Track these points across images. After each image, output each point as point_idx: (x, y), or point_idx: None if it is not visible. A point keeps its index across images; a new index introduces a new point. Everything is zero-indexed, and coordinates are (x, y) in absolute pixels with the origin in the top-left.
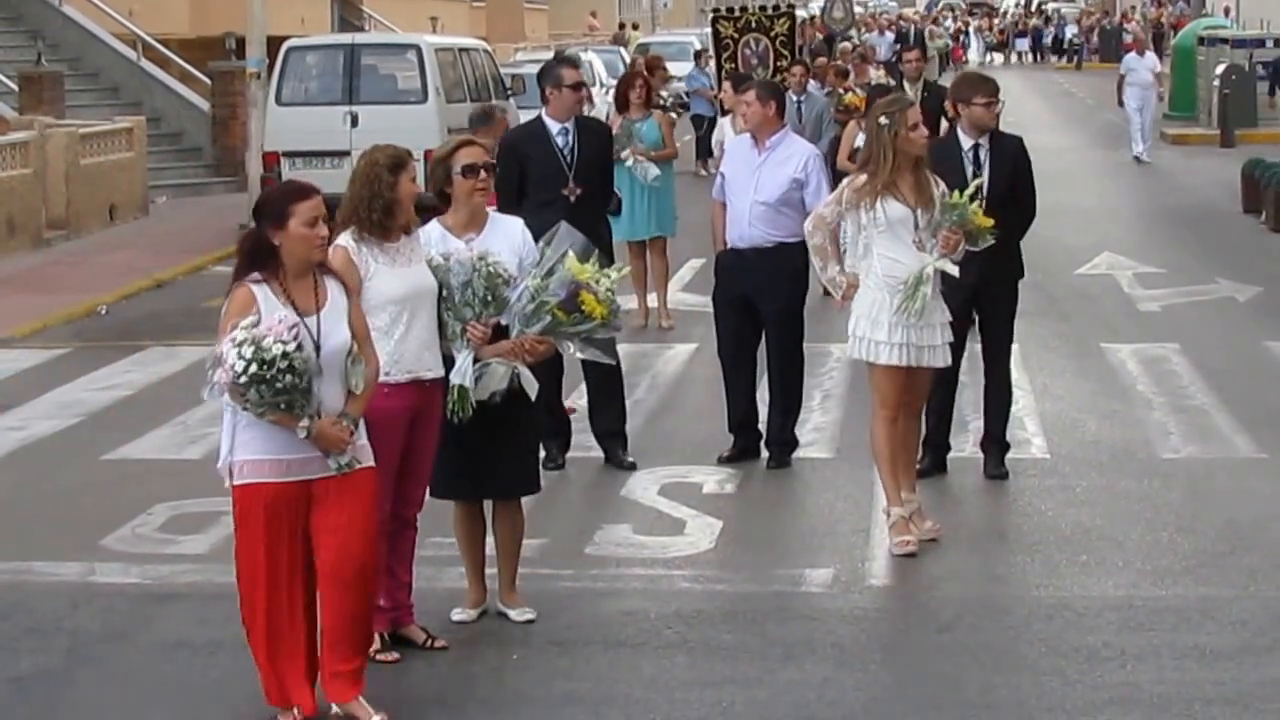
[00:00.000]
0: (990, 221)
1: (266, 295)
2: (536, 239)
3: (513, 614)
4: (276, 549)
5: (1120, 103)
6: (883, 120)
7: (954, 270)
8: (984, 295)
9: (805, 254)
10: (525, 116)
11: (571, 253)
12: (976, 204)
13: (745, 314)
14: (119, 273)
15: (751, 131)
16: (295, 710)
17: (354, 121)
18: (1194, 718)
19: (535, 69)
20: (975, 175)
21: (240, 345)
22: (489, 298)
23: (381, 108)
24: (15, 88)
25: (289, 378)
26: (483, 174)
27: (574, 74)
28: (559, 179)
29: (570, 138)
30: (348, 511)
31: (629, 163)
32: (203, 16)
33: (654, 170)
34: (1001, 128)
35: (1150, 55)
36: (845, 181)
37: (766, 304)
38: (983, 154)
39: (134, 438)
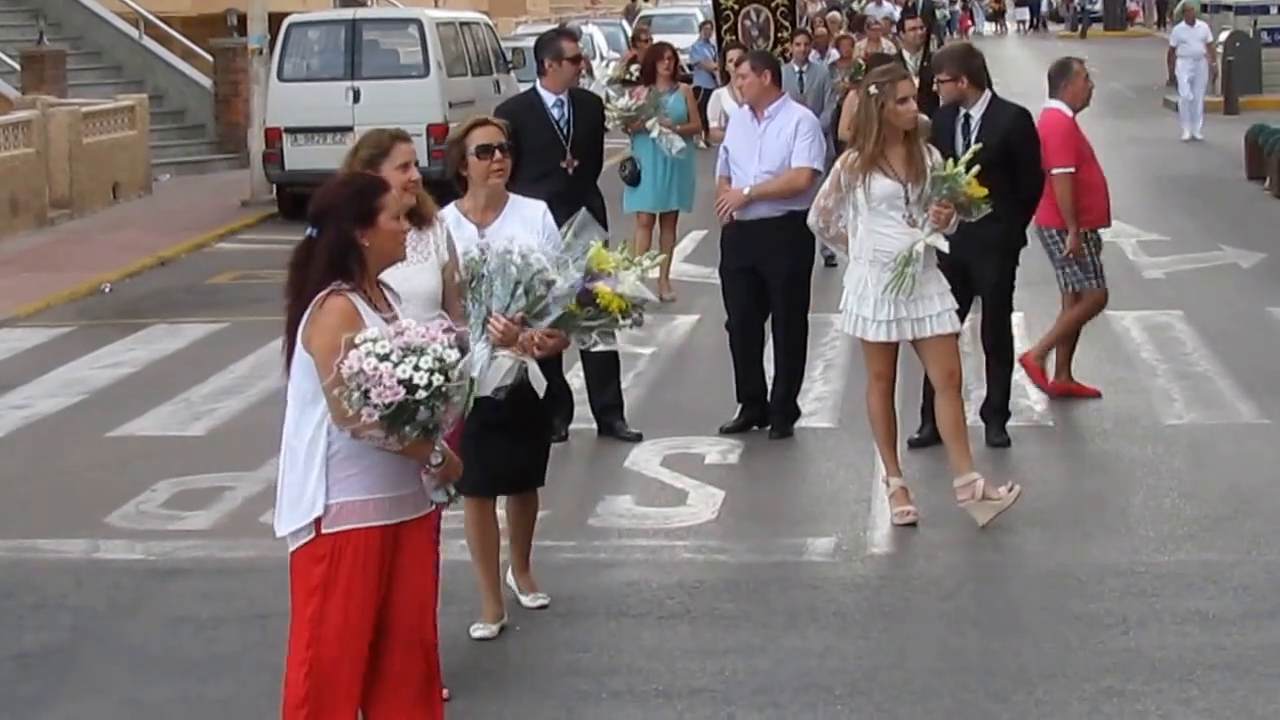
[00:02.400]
0: (984, 191)
1: (362, 306)
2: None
3: (525, 599)
4: (367, 610)
5: (1171, 78)
6: (872, 90)
7: (944, 245)
8: (976, 263)
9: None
10: (525, 89)
11: (596, 241)
12: (971, 173)
13: (752, 285)
14: (122, 251)
15: (749, 103)
16: None
17: (356, 97)
18: (1195, 683)
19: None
20: (964, 143)
21: (409, 357)
22: (523, 293)
23: (383, 83)
24: (17, 67)
25: (460, 391)
26: (498, 154)
27: (573, 47)
28: (556, 151)
29: (566, 110)
30: (424, 559)
31: (654, 134)
32: None
33: (679, 143)
34: (1007, 97)
35: (1201, 25)
36: (837, 164)
37: (772, 273)
38: (972, 123)
39: (137, 415)
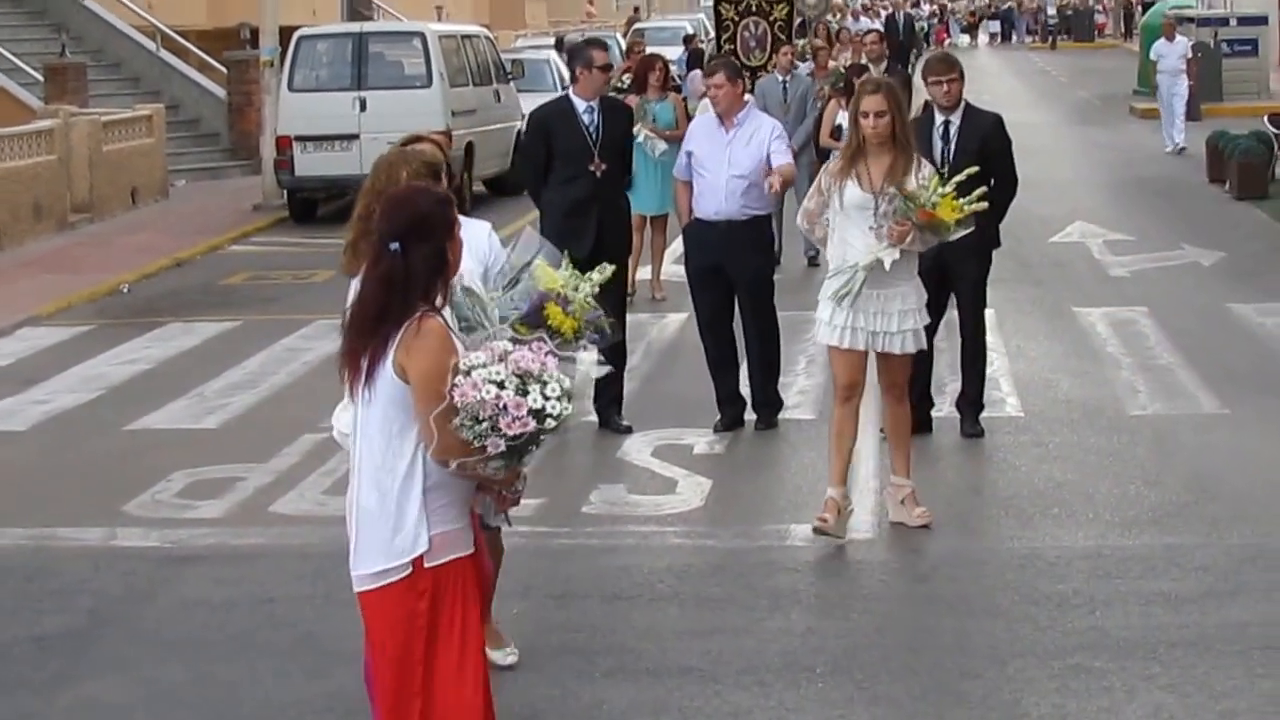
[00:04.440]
0: (956, 215)
1: (449, 325)
2: (570, 213)
3: (494, 655)
4: (472, 640)
5: (1145, 92)
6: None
7: (887, 261)
8: (955, 264)
9: (771, 224)
10: (523, 99)
11: (541, 260)
12: (949, 198)
13: (720, 283)
14: (140, 253)
15: (721, 112)
16: None
17: (362, 106)
18: (1159, 660)
19: (535, 54)
20: (944, 150)
21: (533, 385)
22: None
23: (389, 93)
24: (41, 78)
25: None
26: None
27: (604, 56)
28: (585, 155)
29: (595, 116)
30: (482, 585)
31: (640, 138)
32: (219, 8)
33: (662, 145)
34: (980, 105)
35: (1181, 40)
36: (822, 169)
37: (739, 272)
38: (952, 129)
39: (153, 409)
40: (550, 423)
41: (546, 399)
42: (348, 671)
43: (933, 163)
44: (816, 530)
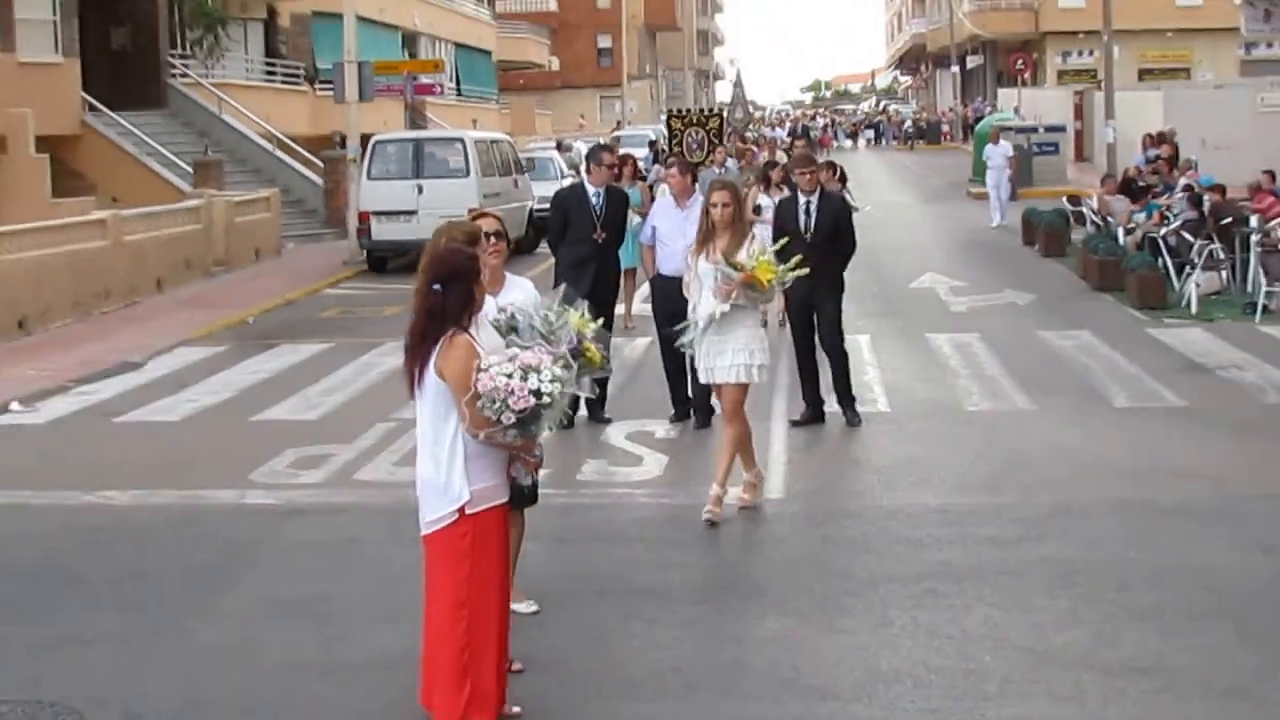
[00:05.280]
0: (771, 275)
1: (475, 340)
2: (575, 265)
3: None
4: (504, 568)
5: (978, 180)
6: (717, 186)
7: (719, 312)
8: (817, 304)
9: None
10: (534, 185)
11: (574, 310)
12: (766, 264)
13: (677, 319)
14: (260, 294)
15: (675, 194)
16: None
17: (420, 190)
18: (988, 585)
19: (542, 153)
20: (805, 220)
21: (531, 373)
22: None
23: (438, 181)
24: (190, 170)
25: (566, 398)
26: (494, 239)
27: (611, 157)
28: (591, 227)
29: (601, 199)
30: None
31: None
32: (317, 120)
33: (635, 218)
34: (857, 189)
35: (1004, 143)
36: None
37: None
38: (812, 207)
39: (271, 405)
40: (546, 399)
41: (541, 382)
42: (411, 588)
43: (798, 230)
44: (706, 520)
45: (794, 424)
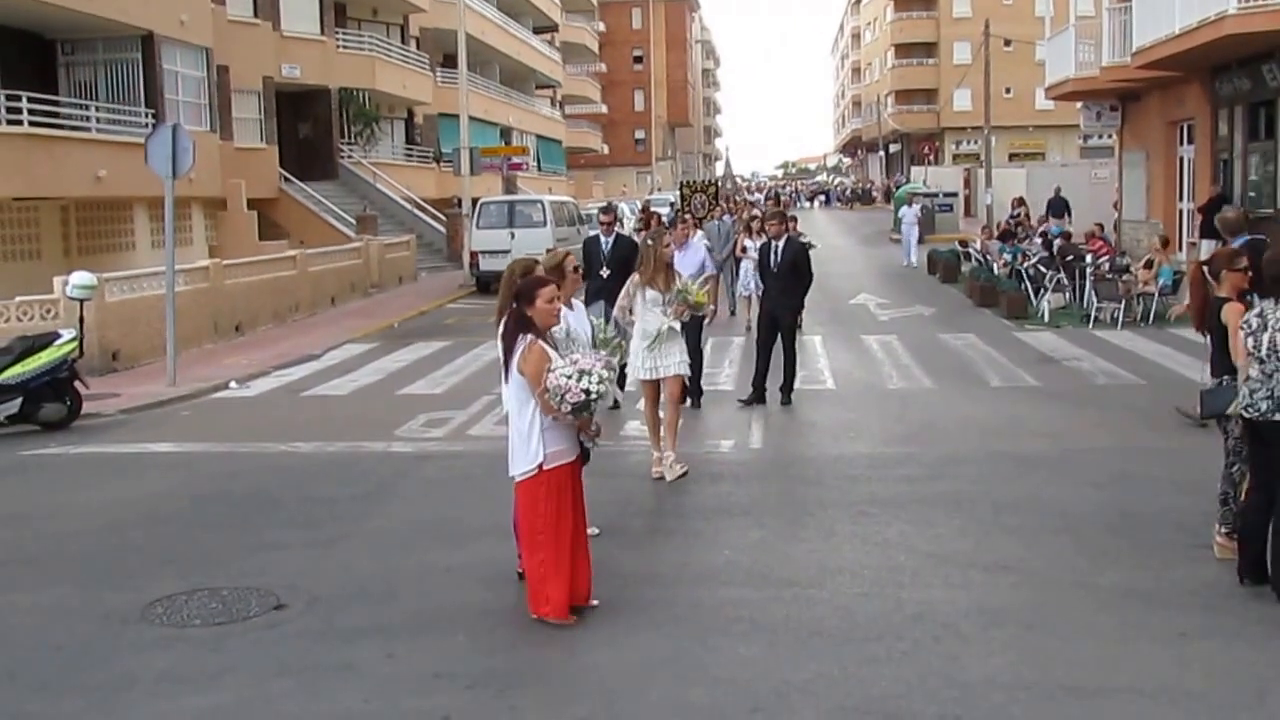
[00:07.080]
0: (704, 299)
1: (547, 347)
2: (593, 292)
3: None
4: (577, 504)
5: (896, 230)
6: (649, 241)
7: (677, 325)
8: (779, 318)
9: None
10: (590, 230)
11: (617, 333)
12: (696, 287)
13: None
14: (402, 308)
15: (675, 242)
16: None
17: (512, 236)
18: (903, 509)
19: (594, 210)
20: (772, 259)
21: (585, 376)
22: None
23: (525, 229)
24: (354, 222)
25: (609, 395)
26: (577, 270)
27: (608, 216)
28: (599, 264)
29: (609, 244)
30: (580, 482)
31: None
32: (442, 187)
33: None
34: (812, 236)
35: (915, 205)
36: (628, 281)
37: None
38: (779, 249)
39: (410, 384)
40: (594, 395)
41: (591, 384)
42: (507, 513)
43: (768, 264)
44: (655, 477)
45: (742, 403)
